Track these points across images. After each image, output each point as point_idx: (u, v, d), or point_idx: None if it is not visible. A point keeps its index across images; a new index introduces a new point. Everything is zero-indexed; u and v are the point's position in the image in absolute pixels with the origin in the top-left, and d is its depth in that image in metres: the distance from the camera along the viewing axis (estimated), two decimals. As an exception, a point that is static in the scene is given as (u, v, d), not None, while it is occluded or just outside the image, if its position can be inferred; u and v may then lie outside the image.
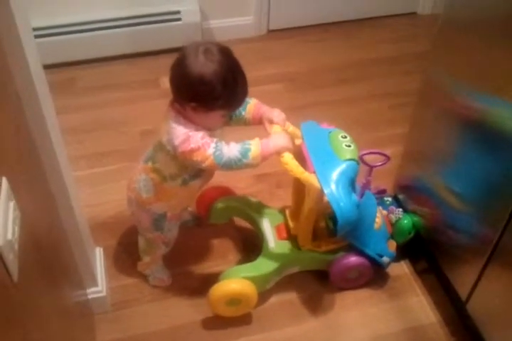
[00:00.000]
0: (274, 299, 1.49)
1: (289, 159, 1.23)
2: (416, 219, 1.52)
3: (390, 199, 1.59)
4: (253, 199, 1.62)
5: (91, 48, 2.36)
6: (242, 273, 1.42)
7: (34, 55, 1.04)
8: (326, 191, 1.24)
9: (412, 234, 1.52)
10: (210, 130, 1.24)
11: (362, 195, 1.29)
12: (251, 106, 1.32)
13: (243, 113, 1.32)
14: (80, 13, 2.30)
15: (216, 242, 1.65)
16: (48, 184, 1.14)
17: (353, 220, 1.26)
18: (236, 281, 1.39)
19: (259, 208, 1.59)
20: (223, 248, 1.63)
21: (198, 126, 1.21)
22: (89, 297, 1.39)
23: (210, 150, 1.18)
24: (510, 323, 1.23)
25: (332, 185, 1.24)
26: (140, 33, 2.38)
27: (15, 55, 0.95)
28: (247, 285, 1.38)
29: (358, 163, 1.29)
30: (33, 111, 1.04)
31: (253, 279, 1.39)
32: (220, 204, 1.61)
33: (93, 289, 1.39)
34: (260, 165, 1.23)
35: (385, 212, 1.56)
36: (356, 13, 2.72)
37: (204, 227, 1.67)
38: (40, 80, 1.07)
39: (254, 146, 1.20)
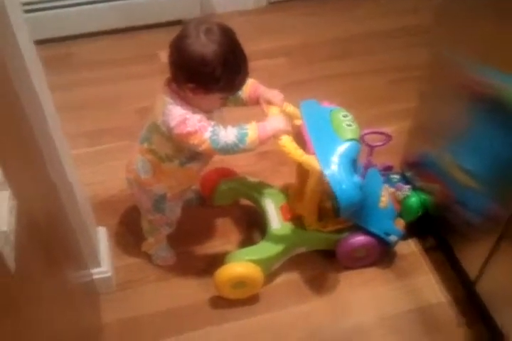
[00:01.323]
0: (280, 279, 1.47)
1: (287, 142, 1.19)
2: (424, 196, 1.49)
3: (397, 176, 1.56)
4: (256, 180, 1.60)
5: (86, 22, 2.30)
6: (247, 255, 1.39)
7: (23, 29, 0.99)
8: (326, 173, 1.20)
9: (420, 213, 1.49)
10: (208, 112, 1.20)
11: (364, 176, 1.25)
12: (247, 86, 1.28)
13: (240, 93, 1.28)
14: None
15: (221, 222, 1.62)
16: (44, 164, 1.10)
17: (356, 202, 1.24)
18: (241, 264, 1.36)
19: (263, 189, 1.56)
20: (228, 228, 1.60)
21: (195, 107, 1.17)
22: (94, 277, 1.37)
23: (207, 135, 1.15)
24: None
25: (333, 167, 1.21)
26: (137, 5, 2.31)
27: (2, 30, 0.91)
28: (252, 268, 1.36)
29: (359, 143, 1.26)
30: (25, 89, 0.99)
31: (258, 262, 1.37)
32: (223, 186, 1.59)
33: (97, 269, 1.37)
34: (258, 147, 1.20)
35: (391, 189, 1.52)
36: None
37: (208, 207, 1.64)
38: (31, 57, 1.02)
39: (251, 131, 1.17)
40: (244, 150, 1.19)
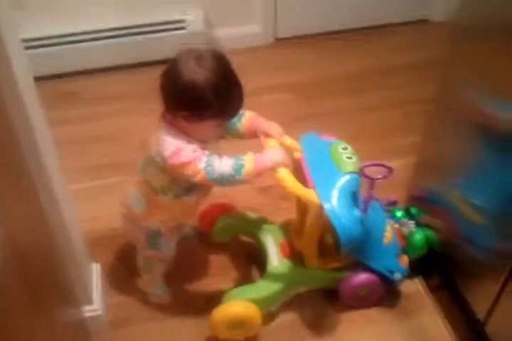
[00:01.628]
0: (280, 319, 1.41)
1: (284, 175, 1.17)
2: (429, 233, 1.44)
3: (401, 211, 1.51)
4: (256, 216, 1.56)
5: (93, 58, 2.32)
6: (245, 294, 1.34)
7: (23, 66, 1.01)
8: (325, 207, 1.17)
9: (425, 250, 1.44)
10: (204, 142, 1.17)
11: (365, 210, 1.22)
12: (246, 118, 1.27)
13: (238, 125, 1.26)
14: (82, 22, 2.26)
15: (219, 258, 1.57)
16: (38, 199, 1.08)
17: (357, 237, 1.20)
18: (239, 304, 1.31)
19: (263, 225, 1.52)
20: (226, 264, 1.56)
21: (191, 137, 1.15)
22: (85, 315, 1.32)
23: (202, 165, 1.12)
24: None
25: (332, 201, 1.18)
26: (143, 42, 2.33)
27: (1, 66, 0.92)
28: (250, 308, 1.31)
29: (360, 176, 1.22)
30: (22, 124, 0.99)
31: (257, 301, 1.32)
32: (221, 222, 1.56)
33: (89, 307, 1.33)
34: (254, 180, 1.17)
35: (396, 225, 1.47)
36: (366, 21, 2.65)
37: (206, 244, 1.60)
38: (29, 93, 1.03)
39: (248, 162, 1.14)
40: (240, 182, 1.16)
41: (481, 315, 1.26)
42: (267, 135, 1.24)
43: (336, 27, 2.63)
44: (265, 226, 1.51)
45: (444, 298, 1.44)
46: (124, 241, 1.58)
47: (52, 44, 2.25)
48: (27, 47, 2.18)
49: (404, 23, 2.69)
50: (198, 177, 1.13)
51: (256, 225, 1.52)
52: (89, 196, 1.75)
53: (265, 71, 2.38)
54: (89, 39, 2.27)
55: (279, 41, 2.61)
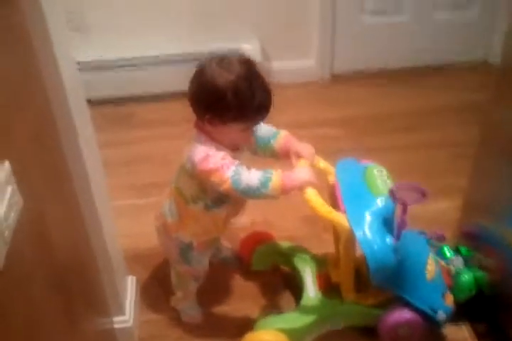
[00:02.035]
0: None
1: (312, 195, 1.14)
2: (479, 274, 1.36)
3: (450, 250, 1.44)
4: (295, 246, 1.53)
5: (151, 84, 2.38)
6: (276, 324, 1.30)
7: (75, 88, 1.07)
8: (356, 232, 1.13)
9: (473, 292, 1.36)
10: (233, 150, 1.18)
11: (398, 237, 1.16)
12: (281, 136, 1.26)
13: (272, 142, 1.26)
14: (141, 47, 2.34)
15: (255, 285, 1.54)
16: (79, 211, 1.12)
17: (388, 265, 1.15)
18: (269, 333, 1.27)
19: (301, 255, 1.49)
20: (262, 292, 1.52)
21: (220, 144, 1.15)
22: (115, 326, 1.30)
23: (229, 174, 1.12)
24: None
25: (363, 226, 1.14)
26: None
27: (54, 88, 0.97)
28: (280, 338, 1.26)
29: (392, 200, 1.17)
30: (70, 142, 1.04)
31: (288, 332, 1.27)
32: (261, 251, 1.53)
33: (120, 318, 1.31)
34: (280, 198, 1.15)
35: (443, 263, 1.40)
36: (424, 60, 2.64)
37: (245, 270, 1.57)
38: (81, 114, 1.09)
39: (276, 177, 1.13)
40: (266, 197, 1.14)
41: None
42: (299, 155, 1.22)
43: (392, 65, 2.62)
44: (304, 257, 1.48)
45: (492, 346, 1.35)
46: (162, 259, 1.56)
47: (111, 67, 2.33)
48: (85, 70, 2.31)
49: (463, 63, 2.66)
50: (225, 186, 1.12)
51: (294, 255, 1.49)
52: (133, 213, 1.76)
53: (318, 105, 2.40)
54: (147, 64, 2.33)
55: (335, 77, 2.62)
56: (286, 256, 1.50)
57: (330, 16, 2.48)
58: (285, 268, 1.56)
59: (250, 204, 1.77)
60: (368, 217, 1.16)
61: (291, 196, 1.76)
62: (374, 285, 1.29)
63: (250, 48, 2.39)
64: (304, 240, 1.61)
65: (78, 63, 2.31)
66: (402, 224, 1.15)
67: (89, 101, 1.18)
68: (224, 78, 1.09)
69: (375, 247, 1.14)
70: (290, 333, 1.27)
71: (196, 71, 1.14)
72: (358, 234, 1.14)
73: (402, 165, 1.96)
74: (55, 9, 0.98)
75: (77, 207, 1.11)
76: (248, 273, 1.56)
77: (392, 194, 1.15)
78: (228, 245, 1.61)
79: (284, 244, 1.54)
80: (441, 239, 1.43)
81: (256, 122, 1.18)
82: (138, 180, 1.94)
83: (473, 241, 1.43)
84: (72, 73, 1.06)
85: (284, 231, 1.64)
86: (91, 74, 2.25)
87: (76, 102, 1.05)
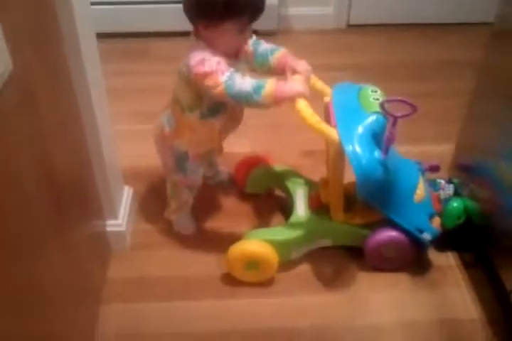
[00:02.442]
0: (299, 269, 1.38)
1: (302, 105, 1.14)
2: (469, 203, 1.37)
3: (443, 181, 1.45)
4: (290, 169, 1.55)
5: (167, 21, 2.38)
6: (263, 235, 1.33)
7: (85, 19, 1.11)
8: (345, 146, 1.15)
9: (462, 219, 1.37)
10: (232, 56, 1.19)
11: (386, 151, 1.17)
12: (279, 52, 1.27)
13: (270, 57, 1.26)
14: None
15: (250, 207, 1.57)
16: (80, 121, 1.17)
17: (375, 179, 1.17)
18: (256, 243, 1.30)
19: (296, 178, 1.51)
20: (256, 213, 1.55)
21: (218, 49, 1.17)
22: (108, 229, 1.35)
23: (223, 78, 1.13)
24: None
25: (352, 140, 1.15)
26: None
27: (66, 20, 1.03)
28: (266, 248, 1.29)
29: (385, 117, 1.18)
30: (78, 71, 1.11)
31: (274, 243, 1.30)
32: (255, 174, 1.55)
33: (113, 221, 1.35)
34: (272, 107, 1.16)
35: (435, 193, 1.41)
36: (441, 17, 2.59)
37: (240, 193, 1.60)
38: (87, 42, 1.14)
39: (269, 84, 1.13)
40: (257, 104, 1.15)
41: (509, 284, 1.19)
42: (294, 71, 1.23)
43: (409, 19, 2.58)
44: (297, 180, 1.50)
45: (476, 275, 1.37)
46: (159, 178, 1.60)
47: (127, 2, 2.35)
48: (107, 3, 2.32)
49: (485, 23, 2.61)
50: (218, 90, 1.14)
51: (288, 178, 1.51)
52: (138, 137, 1.77)
53: (331, 52, 2.38)
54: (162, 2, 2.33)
55: (351, 27, 2.59)
56: (280, 179, 1.52)
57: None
58: (280, 193, 1.58)
59: (252, 135, 1.82)
60: (357, 132, 1.17)
61: (295, 132, 1.80)
62: (360, 200, 1.31)
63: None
64: (301, 169, 1.62)
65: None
66: (391, 138, 1.16)
67: (104, 34, 1.21)
68: None
69: (363, 161, 1.15)
70: (276, 245, 1.30)
71: None
72: (347, 148, 1.16)
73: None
74: None
75: (77, 112, 1.15)
76: (243, 196, 1.59)
77: (382, 108, 1.16)
78: (226, 169, 1.63)
79: (279, 167, 1.55)
80: (435, 169, 1.43)
81: (247, 22, 1.16)
82: (147, 108, 1.95)
83: (466, 173, 1.44)
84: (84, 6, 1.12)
85: (283, 162, 1.65)
86: (109, 8, 2.31)
87: (85, 32, 1.11)
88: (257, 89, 1.13)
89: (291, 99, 1.15)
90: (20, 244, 0.81)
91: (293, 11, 2.52)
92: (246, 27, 1.17)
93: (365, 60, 2.33)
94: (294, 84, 1.17)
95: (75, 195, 1.15)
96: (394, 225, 1.31)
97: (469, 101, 1.42)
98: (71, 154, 1.13)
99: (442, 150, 1.59)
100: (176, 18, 2.28)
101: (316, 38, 2.49)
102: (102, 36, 1.30)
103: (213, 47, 1.17)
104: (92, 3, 1.22)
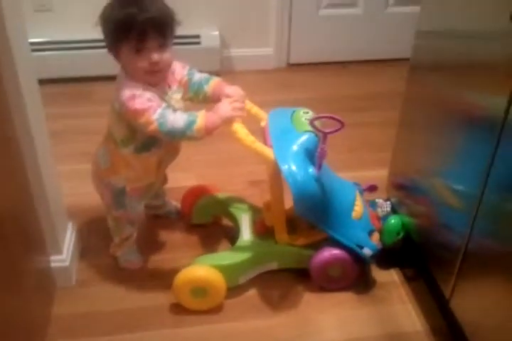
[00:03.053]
0: (246, 294, 1.39)
1: (237, 127, 1.19)
2: (406, 219, 1.43)
3: (380, 200, 1.51)
4: (235, 196, 1.58)
5: (110, 64, 2.44)
6: (209, 260, 1.35)
7: (26, 66, 1.17)
8: (281, 166, 1.20)
9: (401, 235, 1.42)
10: (152, 83, 1.20)
11: (320, 167, 1.22)
12: (214, 81, 1.31)
13: (205, 86, 1.30)
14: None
15: (197, 238, 1.58)
16: (22, 162, 1.20)
17: (311, 194, 1.21)
18: (202, 268, 1.31)
19: (241, 204, 1.54)
20: (203, 243, 1.56)
21: (135, 76, 1.18)
22: (52, 265, 1.34)
23: (155, 116, 1.14)
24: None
25: (288, 159, 1.20)
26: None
27: (6, 65, 1.08)
28: (214, 274, 1.30)
29: (316, 135, 1.24)
30: (19, 115, 1.15)
31: (222, 268, 1.31)
32: (202, 202, 1.57)
33: (57, 257, 1.35)
34: (205, 138, 1.19)
35: (374, 212, 1.47)
36: (374, 54, 2.74)
37: (187, 224, 1.61)
38: (29, 86, 1.18)
39: (200, 119, 1.16)
40: (191, 138, 1.17)
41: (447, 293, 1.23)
42: (229, 97, 1.25)
43: (346, 58, 2.73)
44: (242, 206, 1.53)
45: (418, 289, 1.41)
46: (103, 213, 1.59)
47: (71, 48, 2.41)
48: (50, 49, 2.36)
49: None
50: (151, 128, 1.15)
51: (233, 205, 1.54)
52: (81, 177, 1.79)
53: (273, 90, 2.49)
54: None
55: (291, 66, 2.71)
56: (225, 207, 1.54)
57: (287, 9, 2.58)
58: (226, 222, 1.60)
59: (198, 169, 1.85)
60: (292, 151, 1.22)
61: (239, 162, 1.85)
62: (303, 222, 1.35)
63: (209, 35, 2.50)
64: (248, 200, 1.66)
65: (42, 42, 2.39)
66: (323, 154, 1.22)
67: (51, 80, 1.23)
68: (106, 9, 1.17)
69: (298, 177, 1.20)
70: (224, 269, 1.31)
71: None
72: (283, 166, 1.20)
73: (350, 140, 2.04)
74: None
75: (19, 153, 1.17)
76: (190, 227, 1.60)
77: (312, 125, 1.22)
78: (173, 201, 1.65)
79: (222, 195, 1.58)
80: (373, 188, 1.50)
81: (136, 39, 1.14)
82: (91, 148, 1.97)
83: (402, 192, 1.50)
84: (24, 51, 1.17)
85: (230, 192, 1.68)
86: (54, 54, 2.38)
87: (26, 78, 1.15)
88: (189, 125, 1.15)
89: (225, 124, 1.18)
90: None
91: (235, 52, 2.63)
92: (142, 46, 1.15)
93: (305, 96, 2.42)
94: (222, 109, 1.19)
95: (18, 232, 1.15)
96: (336, 244, 1.34)
97: (397, 129, 1.51)
98: (13, 193, 1.14)
99: (379, 175, 1.65)
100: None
101: (258, 77, 2.59)
102: (46, 82, 1.34)
103: (131, 76, 1.19)
104: (34, 50, 1.27)
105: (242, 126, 1.21)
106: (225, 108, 1.19)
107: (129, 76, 1.20)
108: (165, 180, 1.47)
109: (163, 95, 1.23)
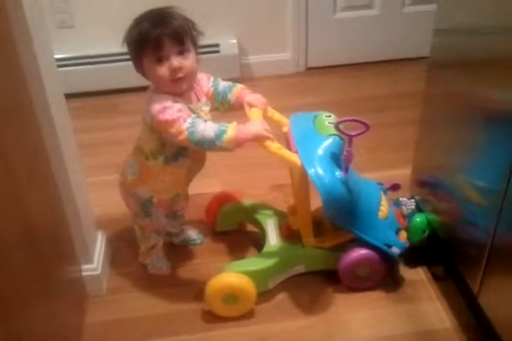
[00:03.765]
0: (275, 298, 1.40)
1: (268, 144, 1.20)
2: (431, 217, 1.43)
3: (405, 198, 1.51)
4: (259, 202, 1.59)
5: (133, 77, 2.49)
6: (240, 267, 1.36)
7: (53, 81, 1.20)
8: (307, 170, 1.21)
9: (426, 233, 1.42)
10: (179, 94, 1.23)
11: (346, 170, 1.23)
12: (236, 89, 1.32)
13: (228, 95, 1.31)
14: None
15: (224, 245, 1.59)
16: (52, 174, 1.23)
17: (339, 197, 1.22)
18: (233, 275, 1.32)
19: (266, 210, 1.55)
20: (230, 251, 1.57)
21: (164, 89, 1.21)
22: (83, 274, 1.37)
23: (185, 125, 1.16)
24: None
25: (314, 163, 1.21)
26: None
27: (34, 81, 1.12)
28: (244, 280, 1.31)
29: (341, 139, 1.25)
30: (49, 129, 1.19)
31: (251, 274, 1.32)
32: (226, 210, 1.58)
33: (87, 266, 1.38)
34: (234, 150, 1.20)
35: (399, 210, 1.47)
36: (391, 54, 2.73)
37: (212, 234, 1.62)
38: (56, 101, 1.22)
39: (231, 130, 1.17)
40: (220, 149, 1.18)
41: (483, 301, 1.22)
42: (251, 105, 1.28)
43: (364, 59, 2.72)
44: (267, 212, 1.54)
45: (446, 286, 1.41)
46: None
47: (95, 62, 2.46)
48: (74, 64, 2.42)
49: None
50: (181, 138, 1.17)
51: (258, 211, 1.55)
52: (107, 186, 1.82)
53: (293, 94, 2.49)
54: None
55: (309, 69, 2.72)
56: (250, 213, 1.55)
57: (303, 13, 2.60)
58: (251, 228, 1.61)
59: (221, 175, 1.87)
60: (317, 155, 1.23)
61: (261, 166, 1.87)
62: (329, 224, 1.37)
63: (228, 44, 2.53)
64: (272, 204, 1.67)
65: (65, 58, 2.45)
66: (349, 157, 1.23)
67: (76, 94, 1.27)
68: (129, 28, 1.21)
69: (326, 181, 1.20)
70: (253, 275, 1.32)
71: None
72: (309, 170, 1.21)
73: (370, 140, 2.04)
74: (36, 8, 1.12)
75: (49, 166, 1.20)
76: (215, 234, 1.62)
77: (337, 128, 1.23)
78: (195, 230, 1.62)
79: (247, 202, 1.59)
80: (396, 187, 1.50)
81: (153, 48, 1.18)
82: (119, 159, 2.01)
83: (425, 190, 1.50)
84: (50, 67, 1.20)
85: (253, 197, 1.70)
86: (78, 69, 2.44)
87: (53, 93, 1.19)
88: (220, 135, 1.16)
89: (252, 141, 1.19)
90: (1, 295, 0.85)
91: (254, 58, 2.65)
92: (160, 55, 1.18)
93: (325, 99, 2.43)
94: (254, 126, 1.20)
95: (50, 243, 1.19)
96: (363, 244, 1.35)
97: (417, 127, 1.51)
98: (46, 205, 1.18)
99: (402, 173, 1.65)
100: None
101: (277, 82, 2.61)
102: (71, 96, 1.38)
103: (159, 88, 1.22)
104: (58, 66, 1.31)
105: (271, 142, 1.21)
106: (258, 125, 1.20)
107: (157, 90, 1.23)
108: (186, 197, 1.49)
109: (192, 106, 1.24)
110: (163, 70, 1.19)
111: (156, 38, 1.17)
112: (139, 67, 1.23)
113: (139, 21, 1.20)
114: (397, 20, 2.69)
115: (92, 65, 2.47)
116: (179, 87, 1.22)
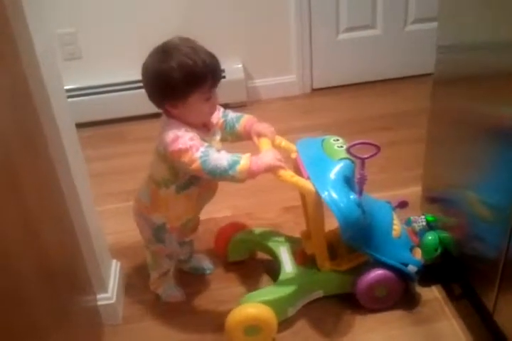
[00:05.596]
0: (295, 325, 1.39)
1: (282, 173, 1.21)
2: (443, 234, 1.42)
3: (415, 216, 1.51)
4: (269, 230, 1.58)
5: (140, 105, 2.52)
6: (259, 297, 1.35)
7: (63, 111, 1.22)
8: (321, 194, 1.21)
9: (439, 251, 1.42)
10: (204, 127, 1.25)
11: (360, 192, 1.24)
12: (244, 119, 1.34)
13: (236, 125, 1.33)
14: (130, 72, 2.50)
15: (237, 275, 1.58)
16: (63, 200, 1.24)
17: (356, 220, 1.22)
18: (253, 306, 1.31)
19: (277, 237, 1.54)
20: (243, 280, 1.56)
21: (191, 125, 1.22)
22: (99, 303, 1.38)
23: (198, 154, 1.17)
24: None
25: (327, 187, 1.21)
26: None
27: (44, 112, 1.13)
28: (264, 310, 1.30)
29: (352, 162, 1.26)
30: (60, 157, 1.20)
31: (271, 303, 1.32)
32: (236, 240, 1.57)
33: (103, 295, 1.38)
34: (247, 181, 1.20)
35: (409, 228, 1.47)
36: (394, 72, 2.74)
37: (224, 264, 1.61)
38: (67, 132, 1.24)
39: (244, 160, 1.17)
40: (232, 179, 1.18)
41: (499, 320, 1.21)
42: (259, 134, 1.30)
43: (368, 78, 2.75)
44: (278, 239, 1.53)
45: (461, 304, 1.40)
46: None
47: (103, 92, 2.50)
48: (82, 95, 2.46)
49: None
50: (194, 167, 1.17)
51: (270, 238, 1.54)
52: (120, 215, 1.85)
53: (299, 116, 2.51)
54: (135, 87, 2.42)
55: (315, 91, 2.74)
56: (261, 242, 1.54)
57: (307, 36, 2.64)
58: (262, 255, 1.60)
59: (231, 200, 1.88)
60: (330, 179, 1.24)
61: (270, 190, 1.88)
62: (343, 246, 1.37)
63: (234, 69, 2.56)
64: (283, 226, 1.69)
65: (75, 89, 2.48)
66: (362, 179, 1.24)
67: (86, 124, 1.27)
68: (164, 62, 1.17)
69: (341, 205, 1.21)
70: (273, 304, 1.32)
71: (142, 69, 1.23)
72: (324, 195, 1.22)
73: (379, 160, 2.04)
74: (44, 40, 1.14)
75: (62, 196, 1.22)
76: (227, 265, 1.60)
77: (349, 152, 1.24)
78: (203, 257, 1.62)
79: (257, 230, 1.58)
80: (404, 204, 1.49)
81: (210, 87, 1.20)
82: (128, 186, 2.02)
83: (436, 207, 1.50)
84: (60, 99, 1.23)
85: (264, 220, 1.71)
86: (86, 99, 2.47)
87: (64, 123, 1.21)
88: (233, 165, 1.16)
89: (266, 171, 1.20)
90: (18, 329, 0.86)
91: (259, 82, 2.68)
92: (211, 93, 1.21)
93: (332, 119, 2.44)
94: (267, 157, 1.20)
95: (65, 273, 1.20)
96: (379, 265, 1.35)
97: (425, 144, 1.52)
98: (60, 237, 1.19)
99: (412, 192, 1.66)
100: (145, 101, 2.44)
101: (283, 105, 2.63)
102: (80, 126, 1.40)
103: (187, 123, 1.22)
104: (69, 97, 1.33)
105: (285, 171, 1.22)
106: (270, 155, 1.21)
107: (180, 124, 1.22)
108: (197, 223, 1.49)
109: (204, 137, 1.25)
110: (208, 106, 1.23)
111: (216, 75, 1.21)
112: (178, 100, 1.20)
113: (183, 55, 1.17)
114: (400, 39, 2.72)
115: (99, 94, 2.51)
116: (207, 122, 1.27)
